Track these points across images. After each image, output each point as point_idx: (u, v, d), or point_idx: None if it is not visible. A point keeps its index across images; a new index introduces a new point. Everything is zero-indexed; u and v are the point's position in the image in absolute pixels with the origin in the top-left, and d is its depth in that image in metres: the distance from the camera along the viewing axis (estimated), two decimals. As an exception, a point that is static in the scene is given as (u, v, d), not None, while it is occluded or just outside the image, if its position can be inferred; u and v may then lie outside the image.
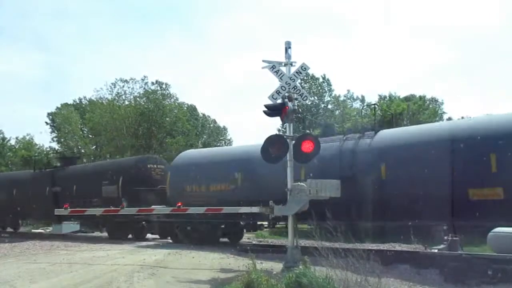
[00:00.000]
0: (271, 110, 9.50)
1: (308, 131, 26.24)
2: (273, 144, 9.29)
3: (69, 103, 44.60)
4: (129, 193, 16.53)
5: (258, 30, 72.32)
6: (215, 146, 42.15)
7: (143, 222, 17.61)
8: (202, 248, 12.70)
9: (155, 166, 18.43)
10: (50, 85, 73.40)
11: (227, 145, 46.81)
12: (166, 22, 76.26)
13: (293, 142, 9.23)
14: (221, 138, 48.26)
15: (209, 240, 14.24)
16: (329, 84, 41.26)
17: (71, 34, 72.58)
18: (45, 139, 68.03)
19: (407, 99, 30.81)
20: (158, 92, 37.33)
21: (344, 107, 40.16)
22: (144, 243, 15.83)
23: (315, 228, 6.88)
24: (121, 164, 20.24)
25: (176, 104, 39.57)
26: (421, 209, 9.80)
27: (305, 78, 35.02)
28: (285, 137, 9.42)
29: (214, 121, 49.32)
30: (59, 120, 42.15)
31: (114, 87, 37.56)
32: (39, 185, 21.19)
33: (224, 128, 49.06)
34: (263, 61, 9.71)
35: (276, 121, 10.28)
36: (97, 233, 21.11)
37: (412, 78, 61.34)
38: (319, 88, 40.63)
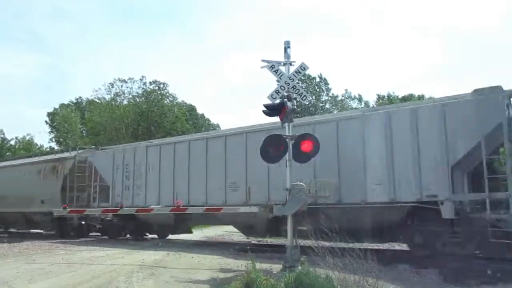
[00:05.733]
0: (270, 110, 9.49)
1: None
2: (273, 144, 9.28)
3: (66, 103, 44.47)
4: None
5: (258, 30, 72.40)
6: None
7: None
8: (201, 249, 12.67)
9: None
10: (50, 85, 73.50)
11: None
12: (165, 22, 76.35)
13: (292, 141, 9.24)
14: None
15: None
16: (326, 83, 41.23)
17: (70, 34, 72.63)
18: (44, 139, 67.92)
19: (406, 99, 30.72)
20: (156, 92, 37.21)
21: (342, 107, 40.13)
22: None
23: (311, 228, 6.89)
24: None
25: (175, 103, 39.45)
26: None
27: (301, 77, 34.92)
28: (284, 136, 9.42)
29: (209, 120, 49.34)
30: (58, 120, 42.05)
31: (112, 87, 37.54)
32: None
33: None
34: (262, 60, 9.69)
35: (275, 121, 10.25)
36: (95, 233, 20.96)
37: (411, 78, 61.46)
38: (316, 87, 40.58)
